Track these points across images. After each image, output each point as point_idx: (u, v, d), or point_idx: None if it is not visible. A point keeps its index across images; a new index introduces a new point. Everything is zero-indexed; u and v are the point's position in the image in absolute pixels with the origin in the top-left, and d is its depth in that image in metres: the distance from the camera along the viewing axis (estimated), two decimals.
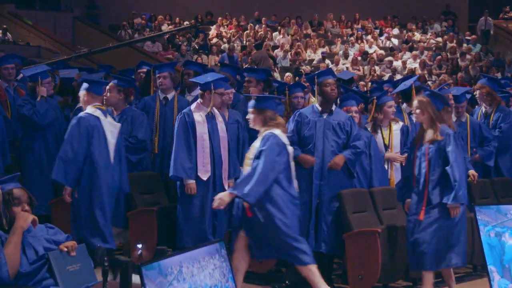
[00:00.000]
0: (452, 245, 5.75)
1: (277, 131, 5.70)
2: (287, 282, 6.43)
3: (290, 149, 5.79)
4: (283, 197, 5.62)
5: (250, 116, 5.87)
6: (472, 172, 7.63)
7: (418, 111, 5.87)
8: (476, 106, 8.72)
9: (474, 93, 8.66)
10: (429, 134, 5.83)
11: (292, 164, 5.77)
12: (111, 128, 6.33)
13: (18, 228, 4.02)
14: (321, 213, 6.28)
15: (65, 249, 4.09)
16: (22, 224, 4.03)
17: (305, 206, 6.27)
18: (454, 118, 7.99)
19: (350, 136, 6.36)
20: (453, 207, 5.67)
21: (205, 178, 6.41)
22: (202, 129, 6.44)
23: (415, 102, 5.97)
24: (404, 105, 7.53)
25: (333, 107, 6.48)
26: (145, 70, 8.55)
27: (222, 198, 5.56)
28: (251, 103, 5.88)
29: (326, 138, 6.34)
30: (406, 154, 6.90)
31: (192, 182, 6.35)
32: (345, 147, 6.40)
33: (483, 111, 8.35)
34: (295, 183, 5.77)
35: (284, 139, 5.74)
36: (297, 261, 5.64)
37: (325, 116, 6.41)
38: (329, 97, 6.42)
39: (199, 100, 6.57)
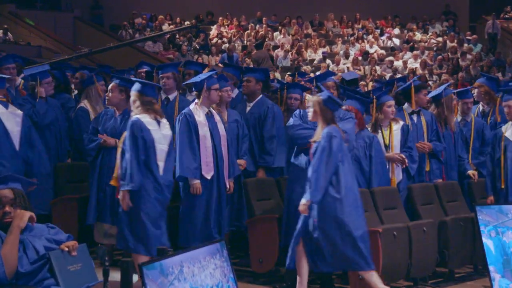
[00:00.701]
0: (316, 249, 5.74)
1: (145, 117, 5.94)
2: (288, 281, 6.43)
3: (162, 133, 6.02)
4: (147, 183, 5.90)
5: (131, 98, 6.10)
6: (471, 172, 7.63)
7: (310, 110, 5.91)
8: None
9: (473, 92, 8.63)
10: (316, 134, 5.88)
11: (160, 146, 5.98)
12: (13, 118, 6.43)
13: (15, 227, 4.00)
14: None
15: (66, 249, 4.08)
16: (19, 223, 4.01)
17: None
18: (459, 118, 7.99)
19: None
20: (303, 205, 5.70)
21: (209, 177, 6.45)
22: (203, 129, 6.48)
23: (308, 102, 5.98)
24: (406, 105, 7.53)
25: None
26: (145, 70, 8.54)
27: (125, 202, 5.87)
28: (136, 86, 6.09)
29: None
30: (404, 154, 6.94)
31: (197, 182, 6.38)
32: None
33: (480, 109, 8.34)
34: (161, 165, 5.99)
35: (151, 125, 5.96)
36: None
37: None
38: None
39: (196, 101, 6.61)
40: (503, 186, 6.87)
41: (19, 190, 4.21)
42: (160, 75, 7.58)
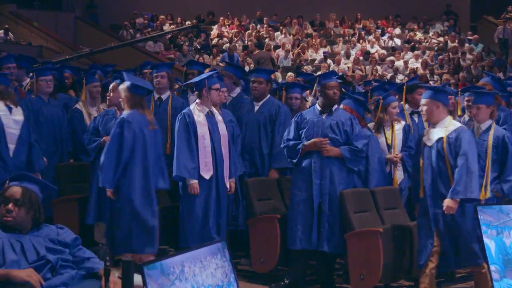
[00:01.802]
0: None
1: None
2: (285, 280, 6.41)
3: (13, 118, 6.40)
4: None
5: None
6: None
7: (121, 98, 6.20)
8: None
9: None
10: None
11: (10, 130, 6.38)
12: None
13: (5, 273, 3.86)
14: (323, 212, 6.28)
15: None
16: (11, 276, 3.84)
17: (305, 204, 6.27)
18: (466, 118, 7.96)
19: (349, 136, 6.36)
20: (108, 190, 6.10)
21: (207, 177, 6.44)
22: (202, 129, 6.47)
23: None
24: (407, 105, 7.51)
25: (334, 107, 6.48)
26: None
27: None
28: None
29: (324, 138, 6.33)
30: (400, 154, 6.92)
31: (195, 182, 6.38)
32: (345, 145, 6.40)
33: None
34: (12, 148, 6.38)
35: (2, 111, 6.35)
36: None
37: (324, 116, 6.41)
38: (331, 100, 6.43)
39: (197, 100, 6.61)
40: (422, 196, 5.84)
41: (30, 191, 4.13)
42: (155, 74, 7.58)
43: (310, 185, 6.28)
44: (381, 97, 6.98)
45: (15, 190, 4.11)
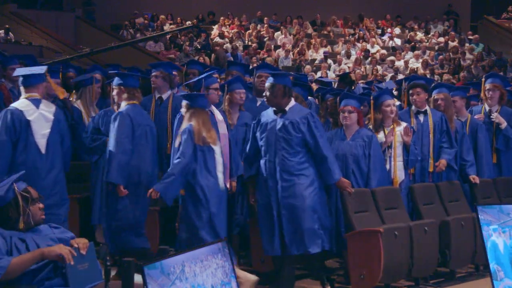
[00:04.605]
0: None
1: None
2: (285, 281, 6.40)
3: None
4: None
5: None
6: (472, 176, 7.53)
7: None
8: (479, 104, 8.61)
9: (485, 93, 8.30)
10: None
11: None
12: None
13: (39, 252, 3.95)
14: (282, 215, 6.15)
15: (76, 245, 4.04)
16: (46, 253, 3.95)
17: (266, 209, 6.21)
18: (486, 107, 7.94)
19: (306, 134, 6.12)
20: None
21: None
22: None
23: None
24: (413, 106, 7.46)
25: (289, 106, 6.20)
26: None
27: None
28: None
29: (278, 140, 6.14)
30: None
31: None
32: (304, 145, 6.16)
33: (487, 109, 8.18)
34: None
35: None
36: None
37: (278, 116, 6.21)
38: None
39: None
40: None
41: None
42: (151, 74, 7.60)
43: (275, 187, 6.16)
44: (371, 97, 6.95)
45: (32, 189, 4.19)
